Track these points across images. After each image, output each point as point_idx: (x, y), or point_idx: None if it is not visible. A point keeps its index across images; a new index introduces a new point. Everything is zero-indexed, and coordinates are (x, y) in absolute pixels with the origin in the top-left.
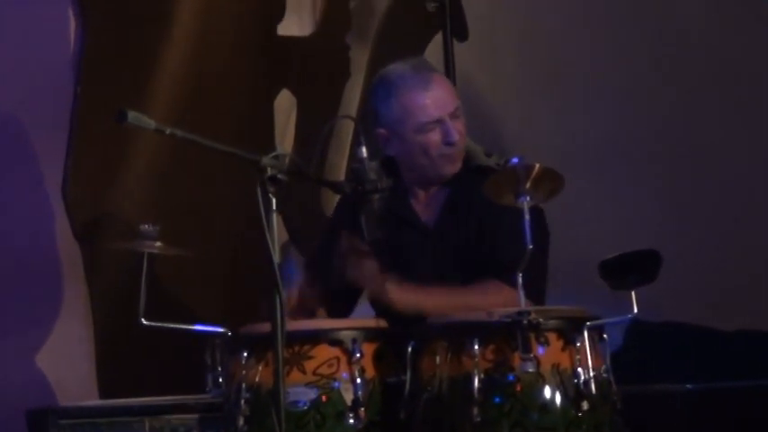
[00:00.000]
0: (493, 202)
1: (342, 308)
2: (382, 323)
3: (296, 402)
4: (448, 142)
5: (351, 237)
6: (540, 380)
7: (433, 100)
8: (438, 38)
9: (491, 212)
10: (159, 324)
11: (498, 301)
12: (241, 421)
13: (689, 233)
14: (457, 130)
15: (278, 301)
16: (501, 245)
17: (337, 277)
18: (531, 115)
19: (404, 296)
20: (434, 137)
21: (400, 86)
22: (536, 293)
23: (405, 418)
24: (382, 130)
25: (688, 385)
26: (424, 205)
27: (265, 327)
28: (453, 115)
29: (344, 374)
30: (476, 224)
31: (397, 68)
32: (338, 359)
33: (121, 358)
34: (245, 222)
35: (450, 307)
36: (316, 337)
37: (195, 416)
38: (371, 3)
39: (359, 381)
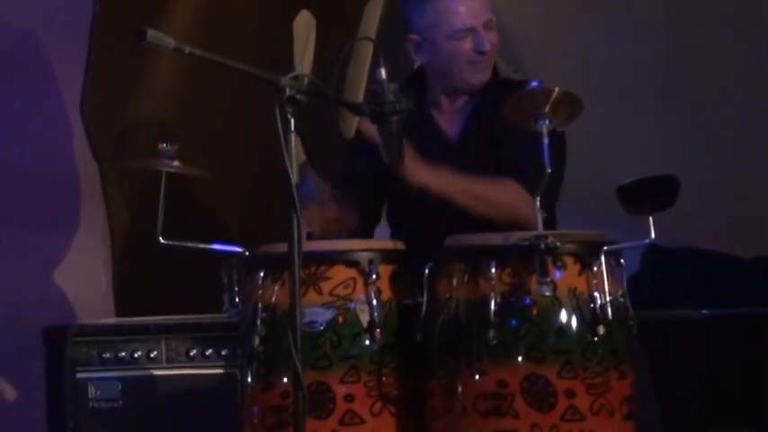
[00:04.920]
0: None
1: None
2: (399, 245)
3: (312, 323)
4: (479, 50)
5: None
6: (556, 303)
7: (467, 7)
8: None
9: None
10: (177, 243)
11: (506, 196)
12: (257, 341)
13: (708, 159)
14: (489, 40)
15: (295, 221)
16: (521, 154)
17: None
18: (553, 40)
19: (417, 171)
20: (466, 44)
21: None
22: (546, 206)
23: (420, 340)
24: (414, 36)
25: (705, 311)
26: (448, 118)
27: (282, 246)
28: (486, 26)
29: (361, 296)
30: (500, 135)
31: None
32: (354, 280)
33: (139, 277)
34: (263, 143)
35: (459, 190)
36: (332, 258)
37: (211, 335)
38: None
39: (375, 302)
